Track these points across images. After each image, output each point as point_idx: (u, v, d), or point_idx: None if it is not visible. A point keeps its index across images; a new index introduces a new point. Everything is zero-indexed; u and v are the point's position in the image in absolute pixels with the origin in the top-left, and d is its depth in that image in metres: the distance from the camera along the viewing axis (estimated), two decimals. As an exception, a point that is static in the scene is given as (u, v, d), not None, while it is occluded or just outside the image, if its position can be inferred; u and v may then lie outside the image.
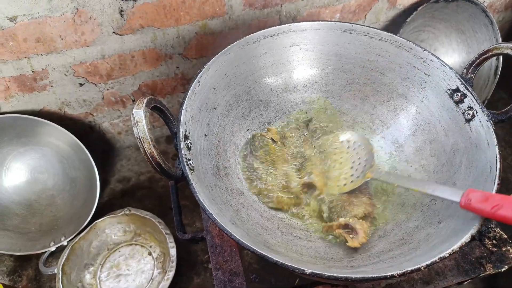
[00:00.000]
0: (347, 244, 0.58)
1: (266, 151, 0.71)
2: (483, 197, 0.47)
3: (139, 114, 0.47)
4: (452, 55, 1.28)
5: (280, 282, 1.06)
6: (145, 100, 0.49)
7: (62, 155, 1.10)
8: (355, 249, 0.58)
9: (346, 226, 0.60)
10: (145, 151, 0.47)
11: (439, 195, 0.53)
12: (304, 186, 0.67)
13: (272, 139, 0.72)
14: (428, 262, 0.45)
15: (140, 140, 0.47)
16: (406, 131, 0.71)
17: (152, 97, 0.52)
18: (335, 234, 0.60)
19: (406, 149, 0.70)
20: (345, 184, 0.66)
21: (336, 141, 0.72)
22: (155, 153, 0.48)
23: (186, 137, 0.58)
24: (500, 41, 1.19)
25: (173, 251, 1.01)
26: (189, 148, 0.58)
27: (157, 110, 0.55)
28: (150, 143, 0.47)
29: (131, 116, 0.47)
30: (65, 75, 0.98)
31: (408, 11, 1.16)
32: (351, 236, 0.58)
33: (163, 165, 0.49)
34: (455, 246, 0.47)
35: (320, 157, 0.71)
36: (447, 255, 0.46)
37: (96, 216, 1.06)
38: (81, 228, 1.06)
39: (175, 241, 1.02)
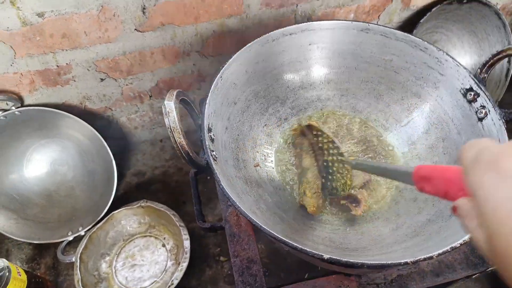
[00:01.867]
0: (351, 213, 0.64)
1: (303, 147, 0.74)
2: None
3: (170, 105, 0.50)
4: (464, 56, 1.29)
5: (289, 276, 1.09)
6: (175, 93, 0.52)
7: (82, 148, 1.13)
8: (369, 239, 0.60)
9: (349, 197, 0.65)
10: (175, 140, 0.50)
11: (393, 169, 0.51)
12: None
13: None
14: (440, 251, 0.48)
15: (171, 130, 0.49)
16: (420, 129, 0.73)
17: (180, 90, 0.55)
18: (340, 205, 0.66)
19: (419, 146, 0.72)
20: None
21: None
22: (184, 142, 0.50)
23: (209, 130, 0.61)
24: (512, 43, 1.20)
25: (187, 243, 1.03)
26: (212, 140, 0.61)
27: (184, 103, 0.58)
28: (180, 133, 0.50)
29: (162, 107, 0.50)
30: (88, 70, 1.01)
31: (421, 12, 1.18)
32: (353, 205, 0.64)
33: (190, 154, 0.52)
34: (467, 237, 0.49)
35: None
36: (459, 245, 0.48)
37: (113, 208, 1.09)
38: (98, 219, 1.09)
39: (188, 233, 1.05)
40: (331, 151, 0.66)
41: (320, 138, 0.67)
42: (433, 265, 0.63)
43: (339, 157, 0.65)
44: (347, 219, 0.67)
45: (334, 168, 0.66)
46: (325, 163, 0.68)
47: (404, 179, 0.44)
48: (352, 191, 0.66)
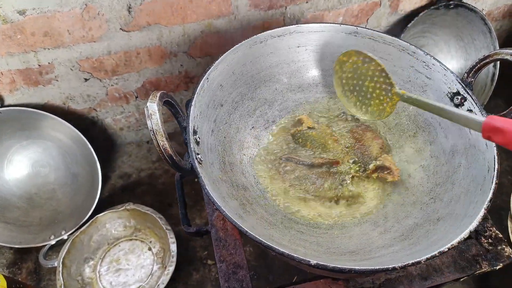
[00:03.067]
0: (387, 181, 0.68)
1: (312, 140, 0.74)
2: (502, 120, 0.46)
3: (153, 107, 0.48)
4: (451, 61, 1.31)
5: (277, 279, 1.08)
6: (158, 94, 0.50)
7: (65, 149, 1.10)
8: (357, 243, 0.60)
9: (378, 169, 0.69)
10: (158, 143, 0.49)
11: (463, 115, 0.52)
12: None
13: (308, 127, 0.76)
14: (428, 255, 0.47)
15: (154, 133, 0.48)
16: (407, 132, 0.73)
17: (164, 91, 0.53)
18: (374, 179, 0.69)
19: (407, 149, 0.72)
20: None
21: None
22: (167, 145, 0.49)
23: (194, 132, 0.59)
24: (498, 48, 1.22)
25: (173, 247, 1.02)
26: (197, 143, 0.59)
27: (168, 105, 0.56)
28: (163, 136, 0.48)
29: (145, 109, 0.49)
30: (71, 69, 0.99)
31: (409, 17, 1.19)
32: (386, 173, 0.68)
33: (174, 158, 0.50)
34: (454, 241, 0.49)
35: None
36: (447, 249, 0.48)
37: (97, 211, 1.07)
38: (81, 222, 1.06)
39: (175, 236, 1.03)
40: (375, 78, 0.66)
41: (366, 65, 0.67)
42: (421, 269, 0.62)
43: (384, 85, 0.65)
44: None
45: (374, 94, 0.66)
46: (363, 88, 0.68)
47: (469, 124, 0.50)
48: (376, 162, 0.70)
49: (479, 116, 0.49)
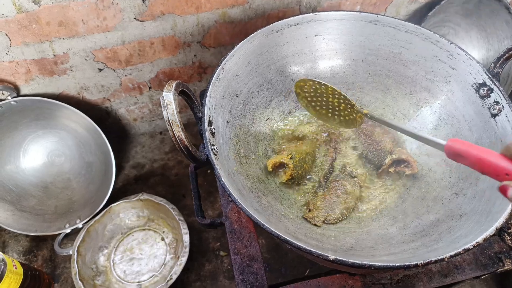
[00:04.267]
0: (406, 174, 0.67)
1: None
2: (466, 144, 0.46)
3: (169, 97, 0.47)
4: (472, 51, 1.26)
5: (290, 272, 1.07)
6: (174, 84, 0.49)
7: (79, 139, 1.11)
8: (375, 238, 0.58)
9: (394, 163, 0.68)
10: (173, 133, 0.48)
11: (424, 136, 0.53)
12: None
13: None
14: (453, 253, 0.45)
15: (170, 123, 0.47)
16: (429, 124, 0.70)
17: (180, 81, 0.52)
18: (391, 175, 0.69)
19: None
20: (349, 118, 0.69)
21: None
22: (183, 136, 0.48)
23: (210, 123, 0.58)
24: (522, 38, 1.17)
25: (186, 237, 1.02)
26: (212, 134, 0.58)
27: (183, 95, 0.55)
28: (179, 126, 0.47)
29: (160, 99, 0.48)
30: (85, 59, 0.99)
31: (429, 5, 1.15)
32: (403, 166, 0.68)
33: (190, 148, 0.50)
34: (480, 239, 0.47)
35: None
36: (471, 247, 0.46)
37: (111, 201, 1.07)
38: (96, 212, 1.07)
39: (188, 227, 1.03)
40: (336, 96, 0.67)
41: (323, 86, 0.67)
42: (441, 265, 0.61)
43: (347, 101, 0.66)
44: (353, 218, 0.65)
45: (341, 107, 0.67)
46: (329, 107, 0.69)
47: (432, 145, 0.51)
48: (392, 156, 0.69)
49: (440, 139, 0.49)
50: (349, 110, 0.66)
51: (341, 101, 0.66)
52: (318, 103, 0.70)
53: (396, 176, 0.68)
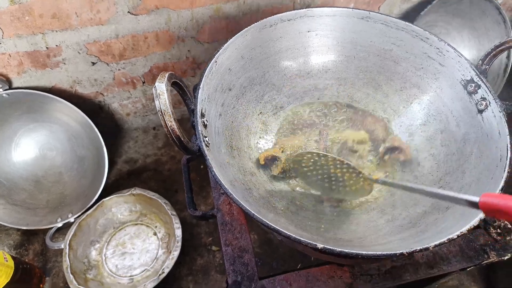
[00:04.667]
0: (400, 160, 0.69)
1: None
2: (498, 196, 0.42)
3: (161, 87, 0.47)
4: (463, 50, 1.28)
5: (282, 266, 1.08)
6: (166, 75, 0.50)
7: (72, 133, 1.11)
8: (364, 230, 0.59)
9: (388, 151, 0.69)
10: (165, 123, 0.48)
11: (455, 196, 0.47)
12: None
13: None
14: (437, 242, 0.47)
15: (162, 113, 0.47)
16: (418, 120, 0.72)
17: (172, 72, 0.52)
18: (386, 164, 0.70)
19: (417, 138, 0.71)
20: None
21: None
22: (175, 126, 0.49)
23: (202, 115, 0.59)
24: None
25: (178, 232, 1.02)
26: (205, 126, 0.59)
27: (176, 86, 0.55)
28: (171, 116, 0.48)
29: (153, 89, 0.48)
30: (78, 53, 0.98)
31: (422, 5, 1.16)
32: (396, 152, 0.69)
33: (182, 139, 0.50)
34: (464, 229, 0.48)
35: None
36: (456, 236, 0.47)
37: (103, 195, 1.07)
38: (88, 206, 1.07)
39: (180, 222, 1.04)
40: (338, 166, 0.63)
41: (322, 157, 0.63)
42: (427, 257, 0.62)
43: (352, 169, 0.62)
44: (342, 210, 0.66)
45: (346, 177, 0.63)
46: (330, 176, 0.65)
47: (464, 204, 0.44)
48: (385, 144, 0.70)
49: (471, 196, 0.43)
50: (354, 179, 0.61)
51: (345, 170, 0.61)
52: (320, 177, 0.65)
53: (390, 163, 0.70)
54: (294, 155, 0.66)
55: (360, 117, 0.76)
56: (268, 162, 0.69)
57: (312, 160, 0.64)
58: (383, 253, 0.46)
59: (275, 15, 0.72)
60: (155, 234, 1.10)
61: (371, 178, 0.60)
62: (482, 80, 0.62)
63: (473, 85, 0.63)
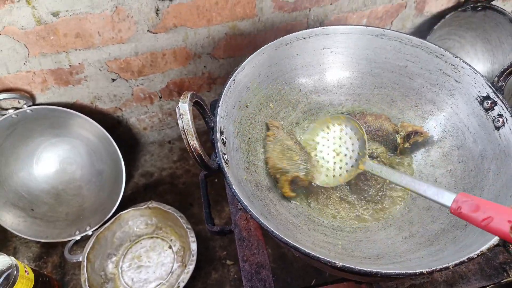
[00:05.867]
0: (419, 141, 0.71)
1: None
2: (474, 206, 0.43)
3: (185, 107, 0.49)
4: (477, 64, 1.28)
5: (296, 281, 1.08)
6: (189, 95, 0.51)
7: (91, 147, 1.14)
8: (381, 247, 0.59)
9: (405, 138, 0.71)
10: (188, 142, 0.50)
11: (428, 197, 0.51)
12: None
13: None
14: (457, 261, 0.46)
15: (185, 132, 0.49)
16: (434, 136, 0.72)
17: (194, 92, 0.54)
18: (406, 148, 0.72)
19: (433, 154, 0.71)
20: (340, 175, 0.69)
21: (324, 129, 0.74)
22: (197, 145, 0.50)
23: (221, 132, 0.60)
24: (527, 52, 1.18)
25: (194, 246, 1.03)
26: (224, 143, 0.60)
27: (197, 105, 0.57)
28: (194, 135, 0.49)
29: (176, 109, 0.50)
30: (100, 70, 1.02)
31: (435, 19, 1.17)
32: (413, 137, 0.70)
33: (203, 157, 0.52)
34: (484, 248, 0.48)
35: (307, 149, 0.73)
36: (476, 255, 0.47)
37: (120, 208, 1.09)
38: (105, 219, 1.09)
39: (195, 236, 1.05)
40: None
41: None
42: (446, 276, 0.61)
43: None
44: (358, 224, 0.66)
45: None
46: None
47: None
48: (400, 133, 0.72)
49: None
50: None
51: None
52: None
53: (415, 147, 0.72)
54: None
55: (362, 118, 0.77)
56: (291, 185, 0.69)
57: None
58: (403, 272, 0.46)
59: (291, 34, 0.74)
60: (170, 247, 1.11)
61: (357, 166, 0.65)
62: (498, 97, 0.62)
63: (490, 101, 0.63)
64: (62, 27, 0.90)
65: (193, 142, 0.49)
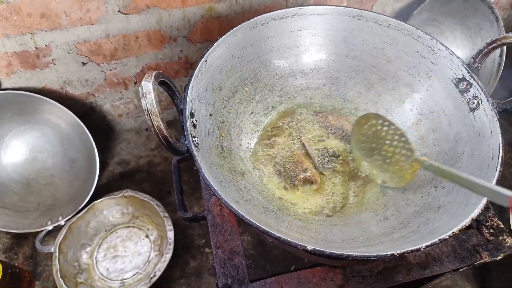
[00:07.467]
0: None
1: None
2: None
3: (148, 86, 0.46)
4: (456, 50, 1.28)
5: (275, 268, 1.07)
6: (153, 74, 0.49)
7: (63, 135, 1.09)
8: (355, 231, 0.58)
9: None
10: (152, 123, 0.47)
11: (490, 198, 0.47)
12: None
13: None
14: (428, 243, 0.46)
15: (148, 113, 0.46)
16: (410, 119, 0.71)
17: (160, 71, 0.51)
18: None
19: (409, 137, 0.70)
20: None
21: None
22: (162, 126, 0.48)
23: (191, 115, 0.58)
24: (504, 38, 1.19)
25: (170, 234, 1.01)
26: (194, 126, 0.58)
27: (164, 85, 0.54)
28: (158, 116, 0.47)
29: (139, 88, 0.47)
30: (68, 53, 0.97)
31: (414, 4, 1.16)
32: None
33: (169, 139, 0.49)
34: (455, 229, 0.47)
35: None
36: (447, 237, 0.47)
37: (94, 198, 1.06)
38: (79, 209, 1.06)
39: (173, 224, 1.02)
40: (395, 143, 0.63)
41: (385, 128, 0.64)
42: (420, 258, 0.61)
43: (404, 150, 0.62)
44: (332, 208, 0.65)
45: (394, 159, 0.63)
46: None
47: (495, 199, 0.45)
48: None
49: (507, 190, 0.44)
50: (401, 164, 0.62)
51: (397, 150, 0.62)
52: (370, 152, 0.67)
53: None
54: (361, 116, 0.66)
55: (322, 118, 0.75)
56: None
57: (373, 129, 0.65)
58: (374, 254, 0.45)
59: (266, 14, 0.72)
60: (147, 236, 1.09)
61: (419, 159, 0.60)
62: (473, 78, 0.61)
63: (465, 83, 0.62)
64: (26, 6, 0.84)
65: (158, 123, 0.47)
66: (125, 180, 1.22)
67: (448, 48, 0.65)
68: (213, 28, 1.04)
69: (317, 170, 0.68)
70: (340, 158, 0.70)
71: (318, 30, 0.75)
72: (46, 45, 0.93)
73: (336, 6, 0.73)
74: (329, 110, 0.78)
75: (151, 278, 0.94)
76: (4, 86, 1.00)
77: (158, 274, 0.95)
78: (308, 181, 0.66)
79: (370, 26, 0.72)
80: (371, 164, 0.68)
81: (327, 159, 0.70)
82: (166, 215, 1.04)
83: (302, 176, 0.66)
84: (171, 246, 0.99)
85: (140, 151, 1.28)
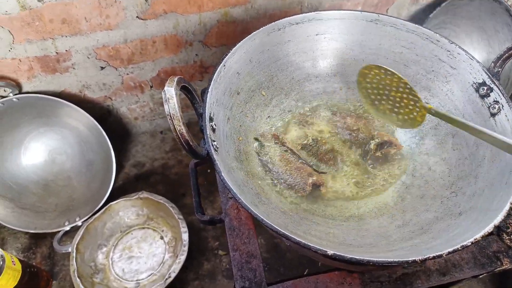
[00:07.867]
0: (392, 153, 0.70)
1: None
2: None
3: (171, 91, 0.47)
4: (473, 53, 1.26)
5: (288, 272, 1.07)
6: (176, 79, 0.50)
7: (81, 137, 1.11)
8: (374, 236, 0.58)
9: (379, 146, 0.70)
10: (175, 128, 0.48)
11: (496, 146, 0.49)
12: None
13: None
14: (451, 249, 0.46)
15: (171, 117, 0.47)
16: (428, 124, 0.71)
17: (181, 77, 0.52)
18: (377, 157, 0.71)
19: (427, 142, 0.70)
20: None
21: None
22: (184, 130, 0.48)
23: (211, 119, 0.59)
24: (523, 41, 1.17)
25: (185, 236, 1.02)
26: (213, 130, 0.59)
27: (184, 90, 0.55)
28: (180, 121, 0.48)
29: (162, 93, 0.48)
30: (88, 57, 0.99)
31: (430, 7, 1.16)
32: (387, 147, 0.70)
33: (190, 143, 0.50)
34: (478, 236, 0.47)
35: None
36: (469, 243, 0.46)
37: (111, 199, 1.08)
38: (96, 210, 1.07)
39: (187, 226, 1.03)
40: (401, 89, 0.63)
41: (389, 77, 0.64)
42: (439, 264, 0.61)
43: (411, 96, 0.62)
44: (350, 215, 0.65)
45: (403, 104, 0.64)
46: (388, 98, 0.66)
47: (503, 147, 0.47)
48: (375, 140, 0.71)
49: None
50: (410, 107, 0.63)
51: (405, 95, 0.63)
52: (379, 97, 0.67)
53: (384, 159, 0.70)
54: (363, 66, 0.66)
55: (341, 118, 0.76)
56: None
57: (377, 77, 0.65)
58: (395, 259, 0.45)
59: (283, 19, 0.72)
60: (161, 238, 1.10)
61: (426, 106, 0.60)
62: (494, 83, 0.61)
63: (485, 88, 0.62)
64: (48, 12, 0.86)
65: (180, 127, 0.48)
66: (140, 182, 1.23)
67: (467, 52, 0.65)
68: (228, 32, 1.05)
69: (317, 171, 0.69)
70: (328, 143, 0.71)
71: (335, 34, 0.75)
72: (66, 50, 0.96)
73: (353, 10, 0.73)
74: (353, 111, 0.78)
75: (166, 279, 0.95)
76: (24, 89, 1.03)
77: (173, 275, 0.96)
78: (316, 185, 0.66)
79: (387, 30, 0.72)
80: (380, 109, 0.68)
81: (319, 155, 0.71)
82: (181, 217, 1.05)
83: (310, 181, 0.66)
84: (186, 248, 1.00)
85: (155, 154, 1.30)
